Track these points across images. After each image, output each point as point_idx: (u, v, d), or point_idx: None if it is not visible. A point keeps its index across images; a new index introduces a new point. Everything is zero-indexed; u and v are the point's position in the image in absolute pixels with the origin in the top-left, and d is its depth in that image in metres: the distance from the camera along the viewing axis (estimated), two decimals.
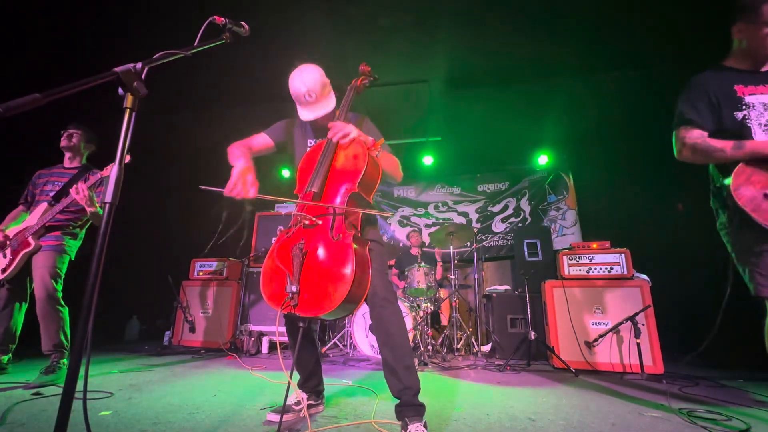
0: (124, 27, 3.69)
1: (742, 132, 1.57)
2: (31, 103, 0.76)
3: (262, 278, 1.65)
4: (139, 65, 1.01)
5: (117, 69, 0.96)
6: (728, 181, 1.53)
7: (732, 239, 1.63)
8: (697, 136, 1.63)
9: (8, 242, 2.63)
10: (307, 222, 1.63)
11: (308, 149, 1.93)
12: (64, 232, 2.75)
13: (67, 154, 2.90)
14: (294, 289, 1.48)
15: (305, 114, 1.86)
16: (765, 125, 1.55)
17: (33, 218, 2.67)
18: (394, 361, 1.57)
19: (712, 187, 1.72)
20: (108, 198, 0.94)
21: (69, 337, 2.64)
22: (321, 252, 1.56)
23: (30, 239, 2.61)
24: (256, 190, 1.62)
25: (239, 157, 1.73)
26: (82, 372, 0.88)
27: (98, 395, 2.11)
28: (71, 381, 0.87)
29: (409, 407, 1.53)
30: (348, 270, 1.46)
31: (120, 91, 0.98)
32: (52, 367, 2.45)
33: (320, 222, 1.62)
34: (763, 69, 1.65)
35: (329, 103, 1.87)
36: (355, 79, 2.05)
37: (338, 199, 1.65)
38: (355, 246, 1.51)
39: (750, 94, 1.60)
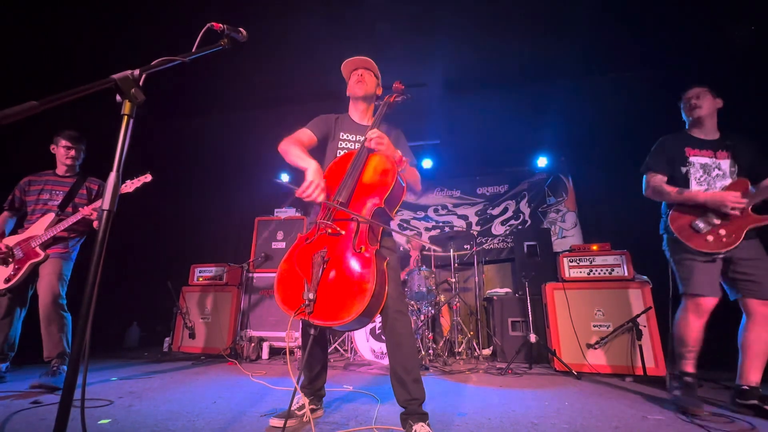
0: (122, 33, 3.71)
1: (684, 181, 2.27)
2: (27, 110, 0.76)
3: (277, 281, 1.63)
4: (136, 72, 1.01)
5: (114, 76, 0.96)
6: (667, 214, 2.30)
7: (670, 251, 2.32)
8: (658, 180, 2.33)
9: (10, 253, 2.63)
10: (330, 231, 1.63)
11: (338, 144, 2.00)
12: (72, 240, 2.77)
13: (64, 167, 2.89)
14: (311, 296, 1.48)
15: (352, 89, 2.05)
16: (698, 179, 2.25)
17: (39, 228, 2.67)
18: (403, 372, 1.62)
19: (663, 217, 2.37)
20: (106, 205, 0.94)
21: (71, 344, 2.63)
22: (343, 262, 1.56)
23: (38, 249, 2.62)
24: (325, 195, 1.65)
25: (305, 157, 1.76)
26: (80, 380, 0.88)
27: (98, 403, 2.10)
28: (69, 389, 0.86)
29: (414, 415, 1.60)
30: (369, 284, 1.47)
31: (118, 98, 0.98)
32: (53, 371, 2.45)
33: (344, 232, 1.62)
34: (710, 138, 2.31)
35: (372, 93, 2.06)
36: (388, 95, 2.10)
37: (364, 213, 1.66)
38: (376, 260, 1.52)
39: (693, 155, 2.28)
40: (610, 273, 3.42)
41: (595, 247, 3.56)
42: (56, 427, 0.83)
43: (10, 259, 2.62)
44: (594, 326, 3.30)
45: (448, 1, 3.50)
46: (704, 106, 2.29)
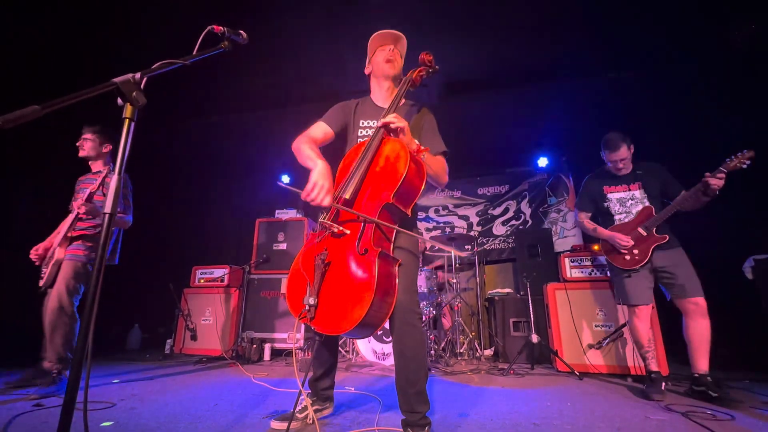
0: (123, 36, 3.72)
1: (608, 214, 2.77)
2: (30, 114, 0.76)
3: (287, 281, 1.59)
4: (137, 75, 1.01)
5: (116, 79, 0.96)
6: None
7: (609, 270, 2.89)
8: (582, 217, 2.91)
9: (47, 254, 2.69)
10: (334, 230, 1.51)
11: (358, 132, 1.85)
12: (87, 240, 2.73)
13: (92, 163, 2.91)
14: (312, 301, 1.40)
15: (381, 67, 1.86)
16: (617, 211, 2.73)
17: (64, 227, 2.70)
18: (405, 383, 1.56)
19: None
20: (107, 208, 0.94)
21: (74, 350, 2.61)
22: (343, 266, 1.44)
23: (57, 249, 2.64)
24: (331, 198, 1.53)
25: (314, 157, 1.62)
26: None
27: (100, 405, 2.10)
28: (72, 391, 0.86)
29: (415, 425, 1.56)
30: (368, 290, 1.34)
31: (119, 101, 0.98)
32: (51, 379, 2.43)
33: (348, 232, 1.49)
34: (624, 173, 2.76)
35: (400, 74, 1.90)
36: (411, 70, 1.88)
37: (371, 209, 1.51)
38: (380, 264, 1.38)
39: (610, 192, 2.77)
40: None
41: (596, 247, 3.53)
42: (59, 430, 0.83)
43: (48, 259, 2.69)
44: (596, 326, 3.29)
45: (448, 1, 3.50)
46: (627, 166, 2.73)
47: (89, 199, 2.56)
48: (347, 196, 1.54)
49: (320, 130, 1.84)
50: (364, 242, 1.46)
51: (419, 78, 1.88)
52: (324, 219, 1.56)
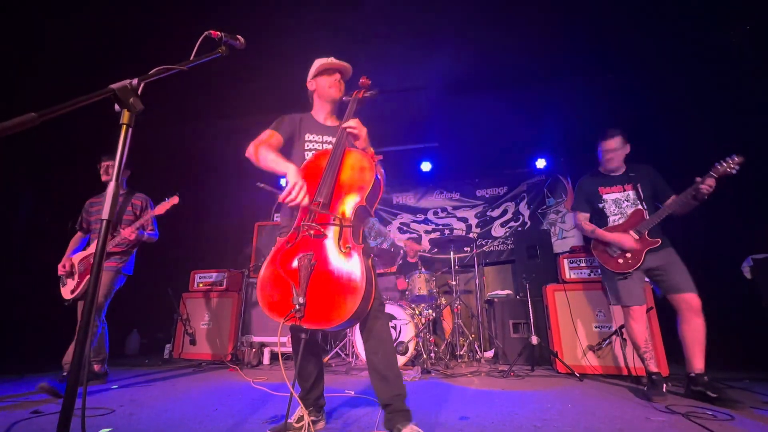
0: (121, 42, 3.72)
1: (602, 214, 2.76)
2: (26, 122, 0.76)
3: (261, 288, 1.59)
4: (135, 81, 1.01)
5: (113, 86, 0.96)
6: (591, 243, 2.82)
7: (601, 272, 2.88)
8: (582, 218, 2.86)
9: (74, 269, 2.89)
10: (312, 232, 1.60)
11: (305, 146, 1.96)
12: (121, 254, 2.97)
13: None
14: (302, 300, 1.46)
15: (328, 92, 2.02)
16: (612, 212, 2.72)
17: (95, 246, 2.78)
18: (385, 368, 1.62)
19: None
20: (105, 215, 0.94)
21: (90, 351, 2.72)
22: (330, 264, 1.54)
23: None
24: (309, 197, 1.63)
25: (283, 161, 1.73)
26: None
27: (98, 412, 2.09)
28: (70, 398, 0.86)
29: (399, 413, 1.57)
30: (359, 283, 1.46)
31: (116, 107, 0.98)
32: (63, 377, 2.49)
33: (328, 233, 1.60)
34: (617, 173, 2.78)
35: (341, 96, 2.05)
36: (356, 91, 2.06)
37: (347, 211, 1.65)
38: (363, 258, 1.52)
39: (606, 193, 2.77)
40: None
41: None
42: None
43: (75, 273, 2.88)
44: (595, 327, 3.29)
45: (447, 4, 3.51)
46: (615, 159, 2.74)
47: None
48: (323, 200, 1.67)
49: (275, 139, 1.94)
50: (345, 240, 1.59)
51: (364, 99, 2.06)
52: (307, 221, 1.64)
